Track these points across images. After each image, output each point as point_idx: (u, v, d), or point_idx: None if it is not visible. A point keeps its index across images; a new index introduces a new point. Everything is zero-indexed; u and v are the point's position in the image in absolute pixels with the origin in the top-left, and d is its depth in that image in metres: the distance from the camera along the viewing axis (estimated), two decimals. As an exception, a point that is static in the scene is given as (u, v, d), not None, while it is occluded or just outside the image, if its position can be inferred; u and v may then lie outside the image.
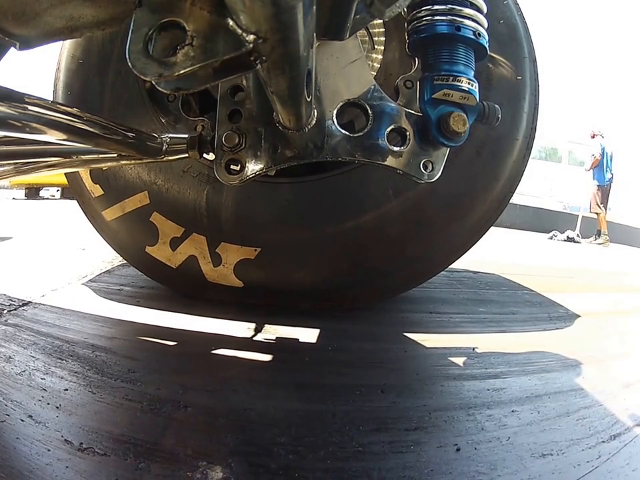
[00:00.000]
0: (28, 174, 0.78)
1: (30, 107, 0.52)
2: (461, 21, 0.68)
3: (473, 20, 0.69)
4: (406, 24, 0.73)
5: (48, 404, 0.71)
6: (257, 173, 0.73)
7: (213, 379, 0.85)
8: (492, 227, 1.24)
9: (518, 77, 1.14)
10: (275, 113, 0.70)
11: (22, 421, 0.66)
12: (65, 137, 0.58)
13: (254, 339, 1.07)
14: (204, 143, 0.80)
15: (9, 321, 1.06)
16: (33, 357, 0.88)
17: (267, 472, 0.57)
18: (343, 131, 0.74)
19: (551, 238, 7.43)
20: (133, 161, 0.86)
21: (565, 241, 7.29)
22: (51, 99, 1.23)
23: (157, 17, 0.35)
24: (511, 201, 1.26)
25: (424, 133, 0.73)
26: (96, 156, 0.79)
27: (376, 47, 1.38)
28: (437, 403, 0.74)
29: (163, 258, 1.24)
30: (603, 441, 0.67)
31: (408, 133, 0.74)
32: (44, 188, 8.28)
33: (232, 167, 0.74)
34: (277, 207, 1.13)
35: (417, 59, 0.84)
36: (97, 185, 1.26)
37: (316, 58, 0.57)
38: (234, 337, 1.06)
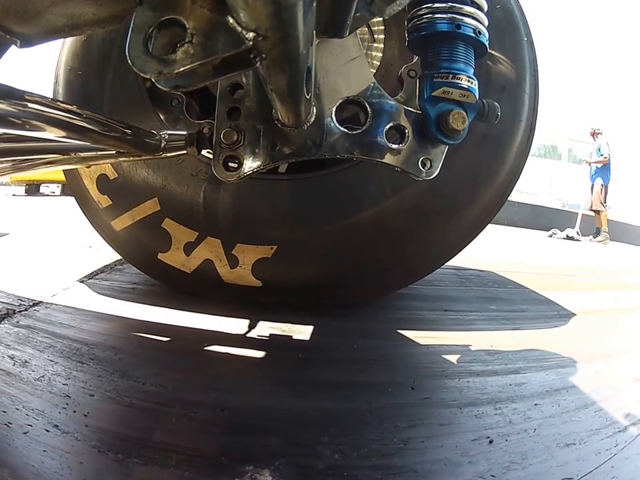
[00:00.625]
0: (26, 171, 0.78)
1: (29, 104, 0.52)
2: (461, 19, 0.68)
3: (474, 18, 0.69)
4: (406, 22, 0.73)
5: (74, 412, 0.68)
6: (255, 170, 0.73)
7: (242, 379, 0.84)
8: (491, 225, 1.25)
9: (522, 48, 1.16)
10: (274, 111, 0.71)
11: (47, 431, 0.62)
12: (64, 133, 0.58)
13: (272, 337, 1.07)
14: (202, 139, 0.81)
15: (20, 322, 1.03)
16: (51, 360, 0.84)
17: (315, 473, 0.57)
18: (342, 129, 0.74)
19: (551, 236, 7.44)
20: (131, 158, 0.86)
21: (564, 239, 7.30)
22: (51, 96, 1.24)
23: (157, 14, 0.35)
24: (509, 199, 1.26)
25: (423, 131, 0.73)
26: (94, 153, 0.79)
27: (375, 36, 1.38)
28: (466, 398, 0.78)
29: (176, 264, 1.23)
30: (619, 431, 0.72)
31: (407, 131, 0.74)
32: (44, 184, 8.28)
33: (230, 163, 0.74)
34: (291, 203, 1.13)
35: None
36: (105, 196, 1.24)
37: (315, 55, 0.57)
38: (254, 338, 1.05)
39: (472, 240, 1.25)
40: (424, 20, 0.69)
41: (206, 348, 0.98)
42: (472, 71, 0.71)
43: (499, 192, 1.21)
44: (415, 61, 1.05)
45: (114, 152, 0.79)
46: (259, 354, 0.97)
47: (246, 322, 1.15)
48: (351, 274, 1.23)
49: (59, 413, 0.67)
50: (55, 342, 0.93)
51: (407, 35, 0.73)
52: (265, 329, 1.11)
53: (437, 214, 1.15)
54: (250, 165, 0.74)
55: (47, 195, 7.99)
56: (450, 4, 0.68)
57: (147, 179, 1.19)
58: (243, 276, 1.19)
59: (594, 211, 8.04)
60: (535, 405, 0.78)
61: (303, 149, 0.74)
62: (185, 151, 0.82)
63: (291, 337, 1.08)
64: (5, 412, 0.65)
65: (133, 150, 0.78)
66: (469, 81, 0.70)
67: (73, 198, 1.37)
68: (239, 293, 1.23)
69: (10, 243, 2.22)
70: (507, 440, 0.64)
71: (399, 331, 1.16)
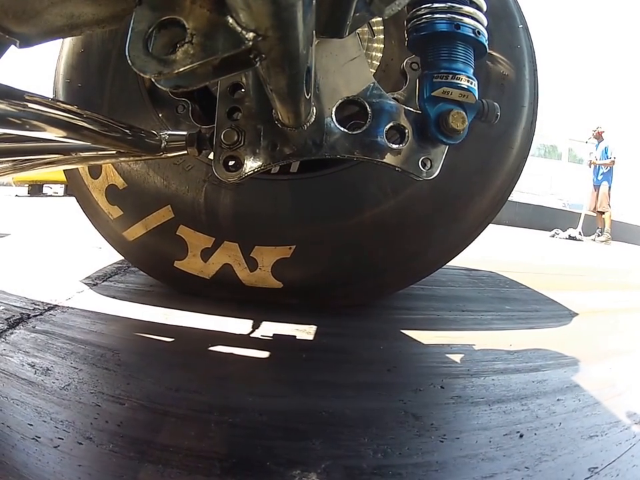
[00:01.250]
0: (27, 171, 0.78)
1: (30, 104, 0.52)
2: (461, 19, 0.68)
3: (473, 18, 0.69)
4: (405, 22, 0.73)
5: (106, 422, 0.64)
6: (255, 170, 0.73)
7: (277, 383, 0.84)
8: (493, 225, 1.26)
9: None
10: (274, 111, 0.71)
11: (79, 444, 0.59)
12: (64, 134, 0.58)
13: (301, 338, 1.07)
14: (203, 140, 0.81)
15: (37, 327, 0.99)
16: (74, 367, 0.81)
17: (361, 473, 0.57)
18: (342, 129, 0.74)
19: (553, 236, 7.43)
20: (131, 158, 0.86)
21: (567, 239, 7.29)
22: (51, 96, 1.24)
23: (156, 14, 0.35)
24: (510, 199, 1.26)
25: (423, 131, 0.73)
26: (95, 153, 0.79)
27: (375, 28, 1.38)
28: (493, 396, 0.81)
29: (194, 270, 1.22)
30: (636, 423, 0.76)
31: (407, 131, 0.74)
32: (47, 185, 8.28)
33: (230, 164, 0.74)
34: (307, 202, 1.13)
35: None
36: (115, 206, 1.23)
37: (315, 56, 0.57)
38: (302, 340, 1.06)
39: (473, 240, 1.24)
40: (423, 20, 0.69)
41: (236, 352, 0.97)
42: (471, 71, 0.72)
43: (500, 191, 1.21)
44: None
45: (114, 152, 0.79)
46: (291, 356, 0.97)
47: (278, 325, 1.15)
48: (370, 269, 1.22)
49: (90, 424, 0.64)
50: (76, 348, 0.90)
51: (406, 35, 0.73)
52: (305, 333, 1.11)
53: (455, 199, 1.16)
54: (251, 165, 0.74)
55: (50, 196, 7.98)
56: (449, 4, 0.68)
57: (159, 187, 1.17)
58: (264, 278, 1.18)
59: (598, 211, 8.03)
60: (558, 400, 0.82)
61: (303, 149, 0.74)
62: (185, 151, 0.82)
63: (317, 339, 1.08)
64: (31, 425, 0.62)
65: (134, 150, 0.78)
66: (468, 81, 0.70)
67: (82, 211, 1.36)
68: (259, 296, 1.22)
69: (17, 244, 2.20)
70: (535, 434, 0.68)
71: (420, 331, 1.18)
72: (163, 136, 0.83)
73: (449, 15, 0.68)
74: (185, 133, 0.83)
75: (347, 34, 0.52)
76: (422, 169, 0.74)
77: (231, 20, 0.35)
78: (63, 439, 0.59)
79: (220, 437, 0.63)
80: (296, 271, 1.17)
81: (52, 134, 0.57)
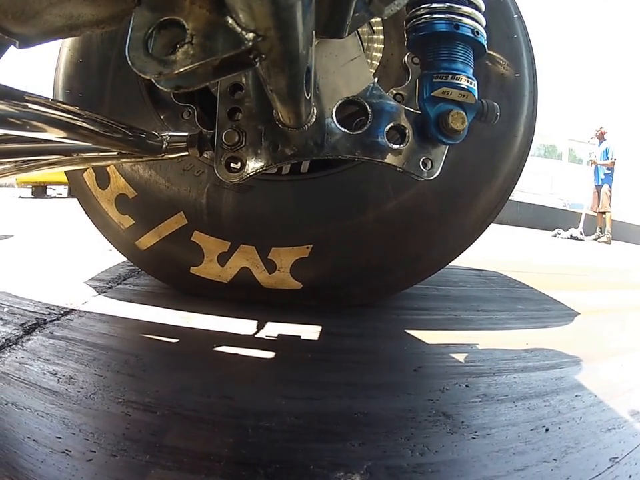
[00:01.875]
0: (28, 172, 0.78)
1: (30, 105, 0.52)
2: (460, 19, 0.68)
3: (472, 18, 0.69)
4: (405, 22, 0.73)
5: (139, 431, 0.62)
6: (257, 170, 0.73)
7: (306, 386, 0.83)
8: (495, 225, 1.26)
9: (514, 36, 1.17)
10: (274, 111, 0.71)
11: (113, 456, 0.56)
12: (65, 134, 0.58)
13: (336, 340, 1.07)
14: (204, 141, 0.81)
15: (55, 332, 0.96)
16: (99, 375, 0.79)
17: (403, 472, 0.59)
18: (343, 129, 0.74)
19: (555, 236, 7.43)
20: (133, 159, 0.86)
21: (568, 238, 7.29)
22: (51, 97, 1.24)
23: (156, 15, 0.35)
24: (511, 198, 1.27)
25: (423, 131, 0.73)
26: (96, 154, 0.79)
27: (374, 28, 1.38)
28: (516, 393, 0.84)
29: (211, 276, 1.21)
30: None
31: (407, 131, 0.74)
32: (50, 186, 8.29)
33: (232, 165, 0.74)
34: (322, 200, 1.13)
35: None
36: (126, 216, 1.22)
37: (315, 56, 0.57)
38: (324, 342, 1.06)
39: (475, 239, 1.24)
40: (422, 20, 0.69)
41: (261, 355, 0.96)
42: (471, 71, 0.71)
43: (501, 191, 1.21)
44: None
45: (115, 153, 0.79)
46: (317, 357, 0.97)
47: (298, 327, 1.14)
48: (386, 264, 1.21)
49: (123, 434, 0.61)
50: (98, 354, 0.88)
51: (405, 35, 0.73)
52: (326, 334, 1.11)
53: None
54: (253, 165, 0.73)
55: (54, 197, 7.98)
56: (448, 4, 0.68)
57: (170, 194, 1.17)
58: (283, 279, 1.17)
59: (599, 212, 8.04)
60: (576, 396, 0.86)
61: (304, 150, 0.74)
62: (186, 152, 0.82)
63: (339, 340, 1.08)
64: (59, 438, 0.60)
65: (135, 151, 0.78)
66: (468, 81, 0.70)
67: (92, 223, 1.34)
68: (279, 298, 1.22)
69: (24, 246, 2.18)
70: (559, 428, 0.72)
71: (440, 331, 1.21)
72: (164, 137, 0.82)
73: (447, 15, 0.68)
74: (186, 134, 0.83)
75: (346, 34, 0.52)
76: (423, 169, 0.74)
77: (230, 20, 0.35)
78: (95, 452, 0.57)
79: (259, 443, 0.63)
80: (315, 270, 1.17)
81: (53, 135, 0.57)
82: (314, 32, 0.45)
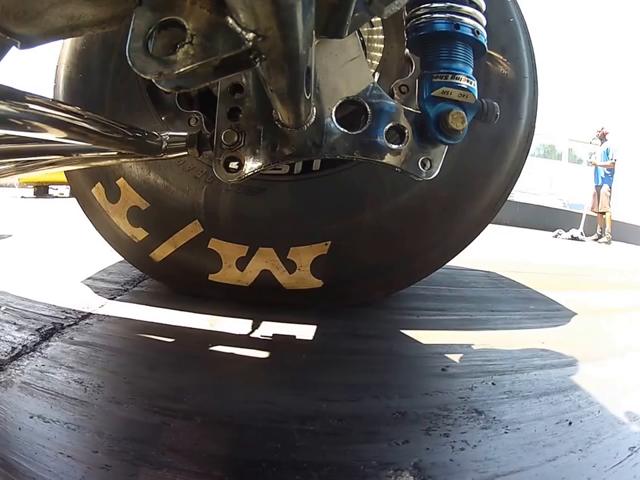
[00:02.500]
0: (29, 172, 0.78)
1: (31, 105, 0.52)
2: (460, 19, 0.68)
3: (472, 18, 0.69)
4: (405, 21, 0.73)
5: (182, 441, 0.61)
6: (256, 170, 0.73)
7: (341, 387, 0.83)
8: (496, 226, 1.27)
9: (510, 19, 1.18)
10: (274, 111, 0.71)
11: (159, 470, 0.54)
12: (65, 135, 0.58)
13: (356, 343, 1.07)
14: (203, 140, 0.81)
15: (75, 338, 0.93)
16: (128, 382, 0.76)
17: (449, 466, 0.61)
18: (342, 129, 0.74)
19: (556, 236, 7.43)
20: (133, 159, 0.86)
21: (569, 239, 7.30)
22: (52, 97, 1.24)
23: (157, 15, 0.35)
24: (511, 199, 1.27)
25: (422, 131, 0.73)
26: (96, 154, 0.79)
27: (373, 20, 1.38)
28: (538, 389, 0.87)
29: (232, 281, 1.20)
30: None
31: (406, 131, 0.74)
32: (52, 186, 8.29)
33: (230, 164, 0.74)
34: (337, 195, 1.13)
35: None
36: (139, 228, 1.22)
37: (315, 56, 0.57)
38: (348, 343, 1.07)
39: (473, 239, 1.24)
40: (422, 20, 0.69)
41: (297, 358, 0.96)
42: (471, 70, 0.71)
43: (499, 191, 1.21)
44: None
45: (115, 153, 0.80)
46: (347, 360, 0.97)
47: (326, 329, 1.15)
48: (403, 257, 1.22)
49: (165, 445, 0.59)
50: (125, 360, 0.86)
51: (405, 34, 0.73)
52: (351, 336, 1.12)
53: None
54: (251, 165, 0.74)
55: (56, 197, 7.96)
56: (448, 4, 0.68)
57: (183, 202, 1.16)
58: (303, 278, 1.17)
59: (599, 212, 8.05)
60: (593, 391, 0.89)
61: (303, 150, 0.74)
62: (185, 152, 0.83)
63: (363, 342, 1.09)
64: (96, 452, 0.57)
65: (135, 151, 0.78)
66: (468, 81, 0.70)
67: (102, 238, 1.33)
68: (300, 298, 1.21)
69: (30, 247, 2.16)
70: (581, 421, 0.76)
71: (460, 331, 1.24)
72: (164, 137, 0.83)
73: (448, 15, 0.68)
74: (185, 133, 0.83)
75: (346, 34, 0.52)
76: (421, 169, 0.74)
77: (231, 20, 0.35)
78: (137, 466, 0.54)
79: (307, 446, 0.63)
80: (335, 266, 1.17)
81: (53, 135, 0.57)
82: (314, 32, 0.45)
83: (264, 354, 0.97)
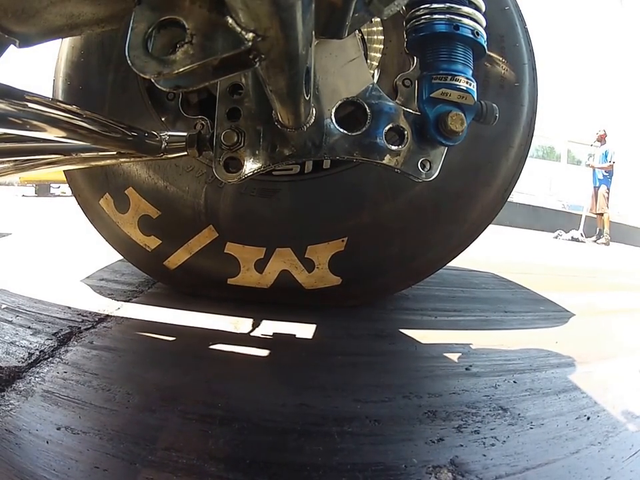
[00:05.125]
0: (27, 171, 0.78)
1: (30, 104, 0.52)
2: (460, 20, 0.68)
3: (472, 19, 0.69)
4: (404, 22, 0.73)
5: (224, 448, 0.60)
6: (255, 171, 0.73)
7: (374, 388, 0.84)
8: (496, 227, 1.28)
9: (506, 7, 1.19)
10: (273, 112, 0.71)
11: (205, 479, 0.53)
12: (64, 134, 0.58)
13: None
14: (203, 141, 0.81)
15: (95, 342, 0.90)
16: (159, 388, 0.74)
17: (484, 462, 0.63)
18: (341, 130, 0.74)
19: (556, 237, 7.44)
20: (132, 159, 0.86)
21: (569, 240, 7.31)
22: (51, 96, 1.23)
23: (156, 14, 0.35)
24: (510, 199, 1.27)
25: (422, 132, 0.73)
26: (95, 154, 0.79)
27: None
28: (556, 387, 0.91)
29: (251, 284, 1.20)
30: None
31: (406, 132, 0.74)
32: (54, 184, 8.26)
33: (230, 165, 0.74)
34: (351, 190, 1.13)
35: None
36: (151, 237, 1.21)
37: (315, 56, 0.57)
38: (370, 344, 1.07)
39: (474, 240, 1.24)
40: (422, 21, 0.69)
41: (329, 359, 0.96)
42: (470, 72, 0.71)
43: (499, 192, 1.21)
44: None
45: (115, 153, 0.80)
46: (375, 360, 0.98)
47: (358, 330, 1.15)
48: (422, 247, 1.21)
49: (205, 453, 0.58)
50: (149, 365, 0.84)
51: (405, 35, 0.73)
52: (375, 337, 1.12)
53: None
54: (250, 166, 0.74)
55: (58, 196, 7.92)
56: (448, 4, 0.68)
57: (196, 208, 1.15)
58: (322, 276, 1.17)
59: (597, 213, 8.07)
60: (607, 387, 0.94)
61: (302, 150, 0.74)
62: (185, 152, 0.82)
63: (385, 343, 1.09)
64: (134, 464, 0.55)
65: (134, 151, 0.78)
66: (467, 83, 0.70)
67: (113, 249, 1.32)
68: (319, 297, 1.21)
69: (36, 247, 2.13)
70: (598, 416, 0.79)
71: (478, 331, 1.27)
72: (163, 137, 0.83)
73: (447, 16, 0.68)
74: (185, 133, 0.83)
75: (346, 34, 0.52)
76: (421, 170, 0.74)
77: (230, 20, 0.35)
78: (179, 477, 0.53)
79: (348, 448, 0.64)
80: (353, 262, 1.17)
81: (52, 134, 0.57)
82: (313, 32, 0.45)
83: (291, 355, 0.97)
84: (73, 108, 0.62)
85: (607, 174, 8.06)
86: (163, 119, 1.19)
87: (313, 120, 0.72)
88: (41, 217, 4.01)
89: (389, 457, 0.62)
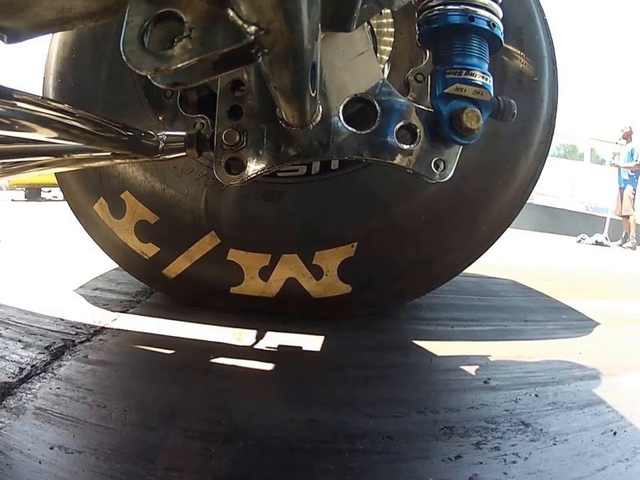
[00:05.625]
0: (17, 174, 0.78)
1: (19, 103, 0.52)
2: (475, 11, 0.67)
3: (487, 9, 0.68)
4: (416, 14, 0.73)
5: (228, 468, 0.59)
6: (259, 172, 0.73)
7: (383, 402, 0.84)
8: (516, 231, 1.28)
9: None
10: (277, 109, 0.70)
11: None
12: (55, 134, 0.58)
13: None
14: (202, 141, 0.81)
15: (90, 356, 0.89)
16: (156, 405, 0.74)
17: (507, 477, 0.63)
18: (350, 128, 0.74)
19: (579, 241, 7.39)
20: (128, 160, 0.86)
21: (593, 244, 7.25)
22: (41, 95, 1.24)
23: (152, 7, 0.35)
24: (530, 201, 1.27)
25: (435, 130, 0.73)
26: (89, 155, 0.79)
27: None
28: (581, 400, 0.90)
29: (256, 292, 1.19)
30: None
31: (418, 130, 0.73)
32: (44, 188, 8.32)
33: (232, 166, 0.74)
34: (360, 194, 1.12)
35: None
36: (149, 244, 1.20)
37: (321, 50, 0.57)
38: (384, 357, 1.07)
39: (492, 244, 1.24)
40: (435, 12, 0.69)
41: (340, 374, 0.96)
42: (486, 66, 0.71)
43: (518, 193, 1.20)
44: None
45: (109, 153, 0.80)
46: (387, 373, 0.98)
47: (376, 341, 1.15)
48: (439, 251, 1.21)
49: (208, 474, 0.58)
50: (147, 380, 0.83)
51: (417, 27, 0.73)
52: (388, 349, 1.12)
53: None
54: (254, 167, 0.73)
55: (49, 200, 7.98)
56: (462, -6, 0.67)
57: (196, 213, 1.15)
58: (331, 284, 1.16)
59: (623, 215, 8.00)
60: (635, 401, 0.95)
61: (309, 150, 0.74)
62: (184, 153, 0.82)
63: (399, 354, 1.10)
64: None
65: (130, 151, 0.78)
66: (483, 77, 0.70)
67: (109, 257, 1.31)
68: (328, 306, 1.20)
69: (26, 255, 2.13)
70: (625, 431, 0.78)
71: (496, 342, 1.26)
72: (161, 137, 0.83)
73: (462, 7, 0.67)
74: (183, 133, 0.83)
75: (354, 27, 0.52)
76: (434, 170, 0.73)
77: (231, 13, 0.35)
78: None
79: (360, 467, 0.63)
80: (363, 269, 1.16)
81: (43, 135, 0.57)
82: (320, 25, 0.45)
83: (298, 369, 0.96)
84: (65, 107, 0.62)
85: (633, 174, 8.01)
86: (160, 118, 1.18)
87: (319, 118, 0.72)
88: (31, 222, 4.04)
89: (403, 476, 0.62)
